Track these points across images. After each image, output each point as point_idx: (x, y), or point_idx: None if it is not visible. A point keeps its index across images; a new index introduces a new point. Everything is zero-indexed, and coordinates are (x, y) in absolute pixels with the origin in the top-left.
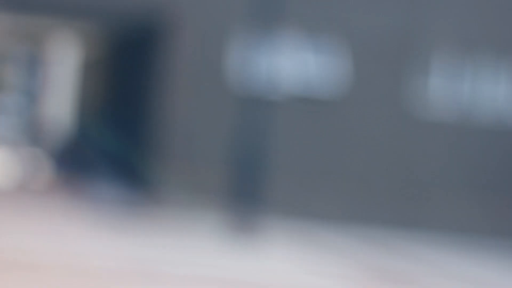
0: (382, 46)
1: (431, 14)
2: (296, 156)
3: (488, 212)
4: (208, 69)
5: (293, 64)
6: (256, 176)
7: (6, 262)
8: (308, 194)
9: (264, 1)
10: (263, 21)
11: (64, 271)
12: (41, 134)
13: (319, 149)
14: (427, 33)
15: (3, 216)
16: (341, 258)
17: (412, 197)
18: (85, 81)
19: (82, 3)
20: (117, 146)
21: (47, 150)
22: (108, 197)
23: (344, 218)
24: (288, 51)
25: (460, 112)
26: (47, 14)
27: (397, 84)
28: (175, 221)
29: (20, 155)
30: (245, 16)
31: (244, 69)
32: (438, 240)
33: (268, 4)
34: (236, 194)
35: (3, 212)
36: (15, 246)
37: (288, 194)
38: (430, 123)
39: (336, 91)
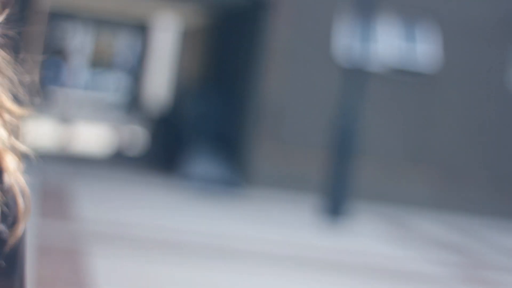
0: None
1: None
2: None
3: None
4: (312, 45)
5: (390, 43)
6: (350, 157)
7: (110, 236)
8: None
9: None
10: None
11: (161, 245)
12: (141, 110)
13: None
14: None
15: (103, 190)
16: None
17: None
18: (185, 57)
19: None
20: (215, 122)
21: (145, 126)
22: (203, 174)
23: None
24: (385, 33)
25: None
26: None
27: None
28: (269, 201)
29: (119, 131)
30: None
31: (346, 45)
32: None
33: None
34: (329, 177)
35: (103, 186)
36: (116, 219)
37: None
38: None
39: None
